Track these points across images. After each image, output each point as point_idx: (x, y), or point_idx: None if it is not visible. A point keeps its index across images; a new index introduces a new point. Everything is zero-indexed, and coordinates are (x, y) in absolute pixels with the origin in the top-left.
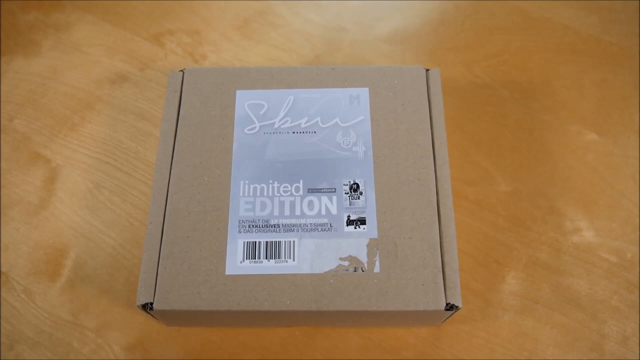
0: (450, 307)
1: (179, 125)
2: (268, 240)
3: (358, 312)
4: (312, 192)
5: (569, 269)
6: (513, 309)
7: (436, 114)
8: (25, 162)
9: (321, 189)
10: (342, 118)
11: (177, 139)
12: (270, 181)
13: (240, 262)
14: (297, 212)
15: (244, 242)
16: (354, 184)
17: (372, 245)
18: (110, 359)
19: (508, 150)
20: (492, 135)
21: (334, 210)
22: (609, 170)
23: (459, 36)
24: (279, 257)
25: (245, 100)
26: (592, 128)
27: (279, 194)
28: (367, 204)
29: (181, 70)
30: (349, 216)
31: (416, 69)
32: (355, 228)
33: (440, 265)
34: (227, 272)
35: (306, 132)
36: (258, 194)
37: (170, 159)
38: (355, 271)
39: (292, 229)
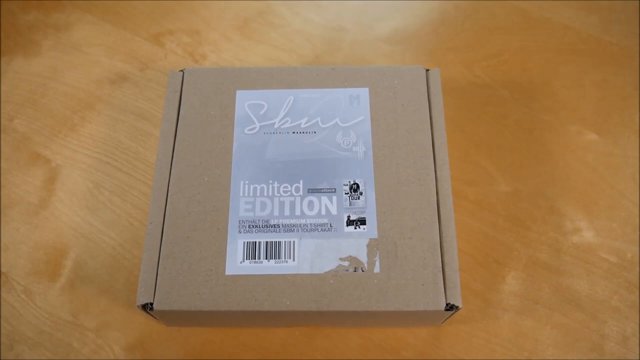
0: (450, 307)
1: (179, 125)
2: (268, 240)
3: (358, 312)
4: (312, 192)
5: (569, 269)
6: (513, 309)
7: (436, 114)
8: (25, 162)
9: (321, 189)
10: (342, 118)
11: (177, 139)
12: (270, 181)
13: (240, 262)
14: (297, 212)
15: (244, 242)
16: (354, 184)
17: (372, 246)
18: (110, 359)
19: (508, 150)
20: (492, 135)
21: (334, 210)
22: (609, 170)
23: (459, 36)
24: (279, 258)
25: (245, 100)
26: (592, 128)
27: (279, 194)
28: (367, 204)
29: (181, 70)
30: (349, 216)
31: (416, 69)
32: (355, 228)
33: (440, 265)
34: (227, 273)
35: (306, 132)
36: (258, 194)
37: (170, 159)
38: (355, 271)
39: (292, 229)
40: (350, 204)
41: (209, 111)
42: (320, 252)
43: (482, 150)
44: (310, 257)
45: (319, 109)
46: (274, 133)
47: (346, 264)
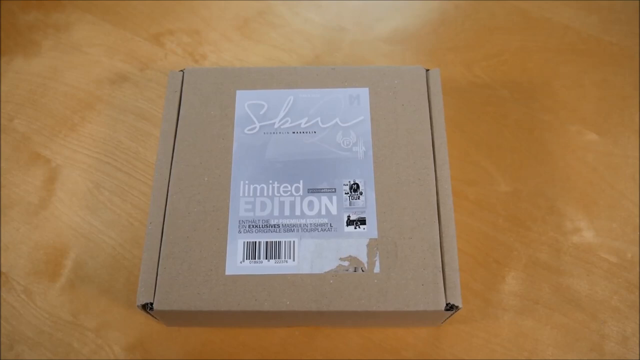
0: (450, 307)
1: (179, 125)
2: (268, 240)
3: (358, 312)
4: (312, 192)
5: (569, 269)
6: (513, 309)
7: (436, 114)
8: (25, 162)
9: (321, 189)
10: (342, 118)
11: (177, 139)
12: (270, 181)
13: (240, 262)
14: (297, 212)
15: (244, 242)
16: (354, 184)
17: (372, 246)
18: (110, 359)
19: (508, 150)
20: (492, 135)
21: (334, 210)
22: (609, 170)
23: (459, 36)
24: (279, 257)
25: (245, 100)
26: (592, 128)
27: (279, 194)
28: (367, 204)
29: (181, 70)
30: (349, 216)
31: (416, 69)
32: (355, 228)
33: (440, 265)
34: (227, 273)
35: (306, 132)
36: (258, 194)
37: (170, 159)
38: (355, 271)
39: (292, 229)
40: (350, 204)
41: (209, 111)
42: (320, 252)
43: (482, 150)
44: (310, 257)
45: (319, 109)
46: (274, 133)
47: (346, 264)
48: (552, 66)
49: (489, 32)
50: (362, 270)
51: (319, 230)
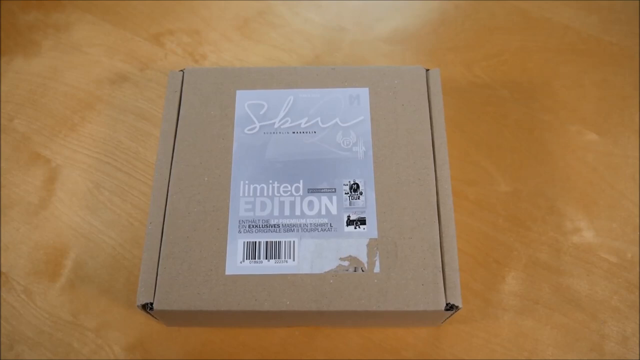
0: (450, 307)
1: (179, 125)
2: (268, 240)
3: (358, 312)
4: (312, 192)
5: (569, 269)
6: (513, 309)
7: (436, 114)
8: (25, 162)
9: (321, 189)
10: (342, 118)
11: (177, 139)
12: (270, 181)
13: (240, 262)
14: (297, 212)
15: (244, 242)
16: (354, 184)
17: (372, 245)
18: (110, 359)
19: (508, 150)
20: (492, 135)
21: (334, 210)
22: (609, 170)
23: (459, 36)
24: (279, 257)
25: (245, 100)
26: (592, 128)
27: (279, 194)
28: (367, 204)
29: (181, 70)
30: (349, 216)
31: (416, 69)
32: (355, 228)
33: (440, 265)
34: (227, 272)
35: (306, 132)
36: (258, 194)
37: (170, 159)
38: (355, 271)
39: (292, 229)
40: (350, 204)
41: (209, 111)
42: (320, 252)
43: (482, 150)
44: (310, 257)
45: (319, 109)
46: (274, 133)
47: (346, 263)
48: (552, 66)
49: (489, 32)
50: (362, 270)
51: (319, 230)
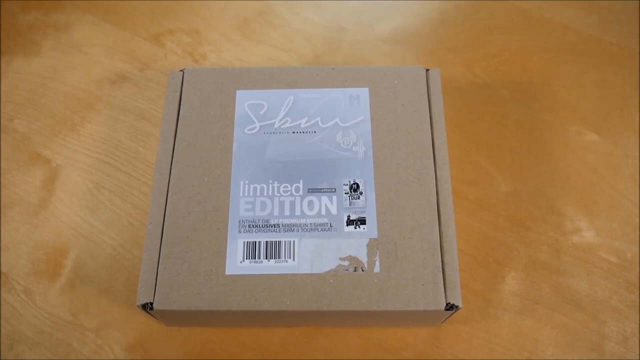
0: (450, 307)
1: (179, 125)
2: (268, 240)
3: (358, 312)
4: (312, 192)
5: (569, 269)
6: (513, 309)
7: (436, 114)
8: (25, 162)
9: (321, 189)
10: (342, 118)
11: (177, 139)
12: (270, 181)
13: (240, 262)
14: (297, 212)
15: (244, 242)
16: (354, 184)
17: (372, 245)
18: (110, 359)
19: (508, 150)
20: (492, 135)
21: (334, 210)
22: (609, 170)
23: (459, 36)
24: (279, 257)
25: (245, 100)
26: (592, 128)
27: (279, 194)
28: (367, 204)
29: (181, 70)
30: (349, 216)
31: (416, 69)
32: (355, 228)
33: (440, 265)
34: (227, 272)
35: (306, 132)
36: (258, 194)
37: (170, 159)
38: (355, 271)
39: (292, 228)
40: (350, 204)
41: (209, 111)
42: (320, 251)
43: (482, 150)
44: (310, 257)
45: (319, 109)
46: (274, 133)
47: (346, 263)
48: (552, 66)
49: (489, 32)
50: (362, 270)
51: (319, 230)
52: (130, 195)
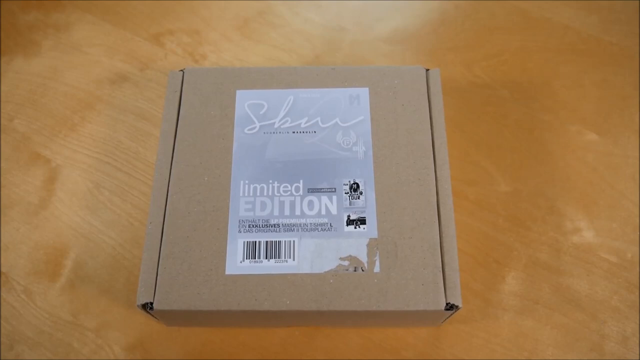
0: (450, 307)
1: (179, 125)
2: (268, 240)
3: (358, 312)
4: (312, 192)
5: (569, 269)
6: (513, 309)
7: (436, 114)
8: (25, 162)
9: (321, 188)
10: (342, 118)
11: (177, 139)
12: (270, 181)
13: (240, 262)
14: (297, 212)
15: (244, 242)
16: (354, 183)
17: (372, 245)
18: (110, 359)
19: (508, 150)
20: (492, 135)
21: (334, 210)
22: (609, 170)
23: (459, 36)
24: (279, 257)
25: (245, 100)
26: (592, 128)
27: (279, 194)
28: (367, 204)
29: (181, 70)
30: (349, 216)
31: (416, 69)
32: (355, 228)
33: (440, 265)
34: (227, 272)
35: (306, 132)
36: (258, 194)
37: (170, 159)
38: (355, 271)
39: (292, 228)
40: (350, 204)
41: (209, 111)
42: (320, 251)
43: (482, 150)
44: (310, 257)
45: (319, 109)
46: (274, 133)
47: (346, 263)
48: (552, 66)
49: (489, 32)
50: (362, 270)
51: (319, 230)
52: (130, 195)
